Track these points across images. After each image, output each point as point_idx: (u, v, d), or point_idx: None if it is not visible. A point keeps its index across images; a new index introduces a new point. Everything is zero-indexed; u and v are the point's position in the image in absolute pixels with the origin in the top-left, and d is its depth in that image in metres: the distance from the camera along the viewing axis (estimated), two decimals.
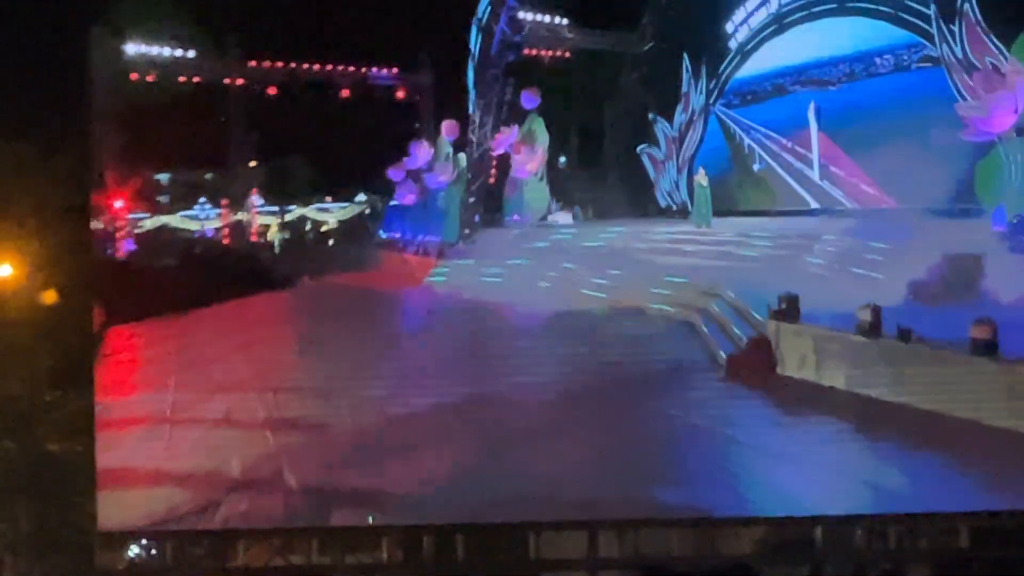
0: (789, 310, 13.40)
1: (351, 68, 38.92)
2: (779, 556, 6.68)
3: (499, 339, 17.27)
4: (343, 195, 54.08)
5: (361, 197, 55.48)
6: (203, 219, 40.90)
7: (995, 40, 19.82)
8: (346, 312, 21.46)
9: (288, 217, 50.63)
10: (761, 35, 27.88)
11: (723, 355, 14.56)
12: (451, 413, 11.68)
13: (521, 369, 14.46)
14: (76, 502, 6.18)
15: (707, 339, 15.66)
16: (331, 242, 43.27)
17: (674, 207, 31.11)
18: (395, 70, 39.43)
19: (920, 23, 22.51)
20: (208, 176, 41.81)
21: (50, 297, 7.13)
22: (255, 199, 40.76)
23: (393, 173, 36.44)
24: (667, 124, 31.29)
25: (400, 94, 39.69)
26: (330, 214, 56.12)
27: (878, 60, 24.53)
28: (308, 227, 53.09)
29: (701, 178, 26.26)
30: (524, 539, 5.86)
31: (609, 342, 16.30)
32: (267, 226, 55.66)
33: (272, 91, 38.00)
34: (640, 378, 14.00)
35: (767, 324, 13.56)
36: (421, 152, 33.76)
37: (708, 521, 6.45)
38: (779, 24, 27.08)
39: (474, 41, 32.96)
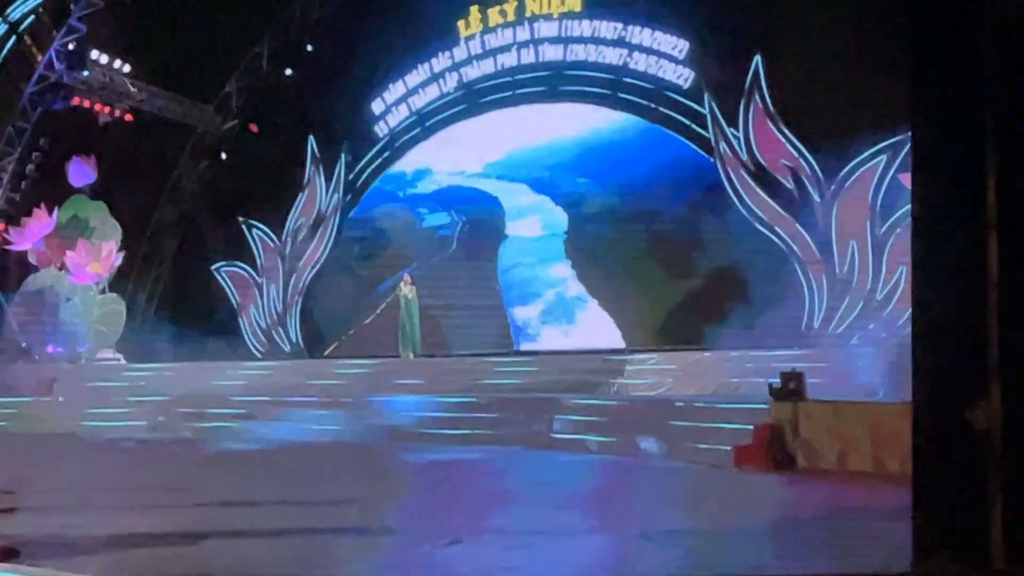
0: (799, 389, 10.82)
1: None
2: None
3: None
4: None
5: None
6: None
7: (791, 137, 17.11)
8: None
9: None
10: (439, 116, 21.60)
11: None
12: None
13: None
14: None
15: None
16: None
17: (275, 345, 22.04)
18: None
19: (673, 113, 18.83)
20: None
21: None
22: None
23: None
24: (267, 231, 22.44)
25: None
26: None
27: (608, 154, 20.16)
28: None
29: (407, 289, 18.65)
30: None
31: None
32: None
33: None
34: None
35: (772, 409, 10.69)
36: None
37: None
38: (468, 104, 21.32)
39: None
